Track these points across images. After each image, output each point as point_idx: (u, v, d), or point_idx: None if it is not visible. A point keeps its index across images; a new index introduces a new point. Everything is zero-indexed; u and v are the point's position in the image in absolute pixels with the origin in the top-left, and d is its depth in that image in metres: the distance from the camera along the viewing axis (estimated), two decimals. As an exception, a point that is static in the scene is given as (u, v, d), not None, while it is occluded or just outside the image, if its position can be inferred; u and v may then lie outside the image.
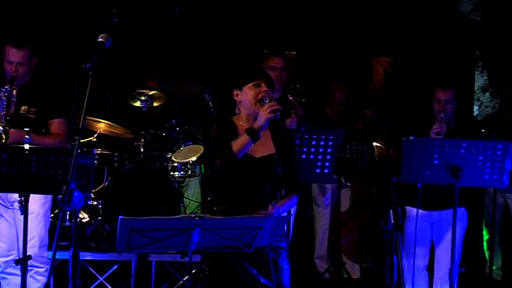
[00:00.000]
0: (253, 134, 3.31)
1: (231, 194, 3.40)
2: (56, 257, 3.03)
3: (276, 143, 3.49)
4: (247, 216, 3.12)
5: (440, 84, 4.76)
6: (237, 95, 3.48)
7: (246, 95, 3.43)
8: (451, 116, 4.74)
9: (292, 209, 5.06)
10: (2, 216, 4.47)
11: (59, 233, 2.92)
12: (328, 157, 4.38)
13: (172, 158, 6.00)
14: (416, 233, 4.54)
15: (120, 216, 2.77)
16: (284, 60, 4.88)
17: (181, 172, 6.02)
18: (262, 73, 3.52)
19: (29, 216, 3.91)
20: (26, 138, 4.22)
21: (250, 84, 3.42)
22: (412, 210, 4.71)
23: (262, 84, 3.40)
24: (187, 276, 5.20)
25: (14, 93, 4.34)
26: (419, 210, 4.54)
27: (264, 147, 3.45)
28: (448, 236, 4.62)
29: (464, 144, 4.20)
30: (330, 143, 4.35)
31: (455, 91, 4.74)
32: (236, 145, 3.32)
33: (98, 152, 5.83)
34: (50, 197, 4.51)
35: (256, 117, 3.38)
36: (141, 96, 5.99)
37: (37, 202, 4.39)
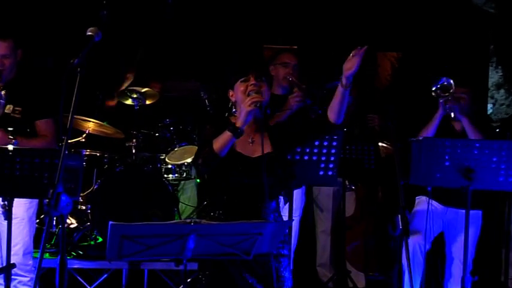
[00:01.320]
0: (235, 130, 3.29)
1: (228, 199, 3.40)
2: (42, 265, 3.03)
3: (274, 141, 3.49)
4: (245, 222, 3.12)
5: (455, 81, 4.77)
6: (232, 95, 3.50)
7: (237, 92, 3.44)
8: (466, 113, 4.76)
9: (296, 213, 5.09)
10: (-16, 221, 4.46)
11: (45, 239, 2.92)
12: (332, 158, 4.38)
13: (166, 160, 6.00)
14: (427, 217, 4.53)
15: (110, 222, 2.77)
16: (297, 59, 4.98)
17: (176, 175, 6.02)
18: (250, 66, 3.49)
19: (13, 222, 3.91)
20: (13, 141, 4.21)
21: (239, 81, 3.43)
22: (421, 198, 4.70)
23: (251, 78, 3.40)
24: (182, 286, 5.20)
25: (2, 93, 4.32)
26: (434, 203, 4.54)
27: (259, 146, 3.44)
28: (461, 239, 4.62)
29: (477, 145, 4.20)
30: (334, 143, 4.35)
31: (472, 90, 4.76)
32: (217, 142, 3.32)
33: (87, 153, 5.83)
34: (35, 201, 4.50)
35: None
36: (132, 93, 5.99)
37: (22, 206, 4.38)
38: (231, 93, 3.49)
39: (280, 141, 3.50)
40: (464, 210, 4.59)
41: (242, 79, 3.42)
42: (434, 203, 4.67)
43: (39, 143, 4.38)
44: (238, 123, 3.30)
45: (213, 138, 3.37)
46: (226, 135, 3.31)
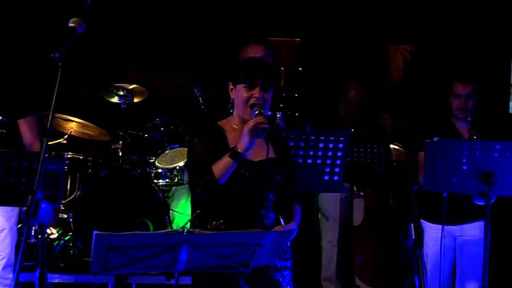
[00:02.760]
0: (237, 157, 3.30)
1: (227, 208, 3.40)
2: (20, 279, 3.03)
3: (276, 148, 3.50)
4: (243, 231, 3.13)
5: (460, 78, 4.83)
6: (231, 90, 3.49)
7: (238, 95, 3.44)
8: (471, 112, 4.82)
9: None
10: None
11: (23, 251, 2.93)
12: (338, 162, 4.38)
13: (156, 163, 6.00)
14: (440, 252, 4.57)
15: (94, 232, 2.77)
16: (266, 48, 4.74)
17: (167, 180, 6.02)
18: (259, 72, 3.44)
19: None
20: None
21: (242, 85, 3.42)
22: (428, 226, 4.74)
23: (256, 89, 3.39)
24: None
25: None
26: (435, 225, 4.58)
27: (262, 150, 3.45)
28: (473, 256, 4.65)
29: (497, 147, 4.21)
30: (340, 146, 4.35)
31: (476, 85, 4.82)
32: (218, 170, 3.32)
33: (69, 156, 5.84)
34: (16, 209, 4.51)
35: (248, 121, 3.38)
36: (119, 90, 6.00)
37: (3, 215, 4.39)
38: (231, 86, 3.49)
39: (282, 153, 3.54)
40: (470, 224, 4.63)
41: (247, 85, 3.41)
42: (436, 226, 4.68)
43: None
44: (240, 148, 3.31)
45: (202, 155, 3.36)
46: (227, 161, 3.31)
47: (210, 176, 3.31)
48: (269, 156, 3.41)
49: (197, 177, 3.36)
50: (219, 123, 3.53)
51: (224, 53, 7.01)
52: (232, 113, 3.52)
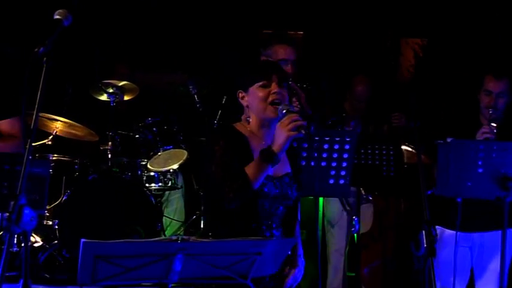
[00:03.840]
0: (272, 158, 3.30)
1: (234, 220, 3.42)
2: (2, 290, 3.04)
3: (290, 159, 3.53)
4: (242, 239, 3.14)
5: (493, 72, 4.76)
6: (242, 98, 3.49)
7: (253, 98, 3.43)
8: (501, 113, 4.76)
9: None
10: None
11: (5, 261, 2.93)
12: (344, 164, 4.40)
13: (148, 166, 6.01)
14: (456, 260, 4.57)
15: (82, 239, 2.78)
16: (296, 52, 4.88)
17: (160, 184, 6.04)
18: (270, 68, 3.48)
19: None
20: None
21: (257, 85, 3.42)
22: (445, 232, 4.73)
23: (273, 84, 3.40)
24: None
25: None
26: (453, 232, 4.58)
27: (280, 165, 3.46)
28: (493, 266, 4.65)
29: (515, 148, 4.22)
30: (347, 147, 4.37)
31: (511, 82, 4.75)
32: (252, 173, 3.31)
33: (54, 158, 5.85)
34: (-1, 215, 4.51)
35: (269, 124, 3.42)
36: (108, 87, 6.01)
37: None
38: (241, 95, 3.49)
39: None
40: (490, 232, 4.63)
41: (261, 83, 3.41)
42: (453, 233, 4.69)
43: (10, 144, 4.39)
44: (276, 148, 3.30)
45: (229, 159, 3.35)
46: (263, 164, 3.31)
47: (244, 181, 3.30)
48: (286, 170, 3.49)
49: (228, 182, 3.32)
50: (237, 128, 3.52)
51: (218, 47, 7.02)
52: (242, 121, 3.53)
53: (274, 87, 3.40)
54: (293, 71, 4.80)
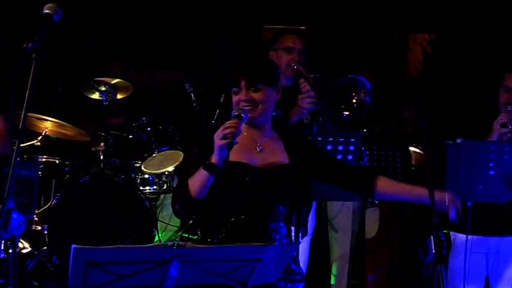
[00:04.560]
0: (210, 168, 3.31)
1: (227, 223, 3.42)
2: (-12, 299, 3.05)
3: (291, 152, 3.52)
4: (241, 245, 3.14)
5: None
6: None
7: (232, 102, 3.49)
8: None
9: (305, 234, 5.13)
10: None
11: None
12: (349, 166, 4.40)
13: (143, 168, 6.02)
14: (467, 268, 4.57)
15: (73, 245, 2.78)
16: (303, 43, 5.01)
17: (154, 186, 6.04)
18: (240, 71, 3.48)
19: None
20: None
21: (232, 90, 3.46)
22: (459, 238, 4.73)
23: (242, 91, 3.42)
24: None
25: None
26: (470, 236, 4.57)
27: (273, 156, 3.48)
28: (509, 273, 4.64)
29: (529, 149, 4.23)
30: (351, 148, 4.37)
31: None
32: (192, 184, 3.35)
33: (43, 159, 5.85)
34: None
35: (257, 125, 3.46)
36: (100, 85, 6.01)
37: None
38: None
39: (308, 166, 3.54)
40: (508, 237, 4.63)
41: (233, 90, 3.44)
42: (470, 236, 4.69)
43: None
44: (213, 159, 3.32)
45: (196, 168, 3.38)
46: (202, 174, 3.33)
47: (185, 192, 3.35)
48: (280, 161, 3.46)
49: (178, 192, 3.42)
50: None
51: (215, 43, 7.02)
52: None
53: (242, 94, 3.41)
54: (298, 59, 4.89)
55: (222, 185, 3.31)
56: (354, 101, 4.79)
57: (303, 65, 4.96)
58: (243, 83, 3.41)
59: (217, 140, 3.30)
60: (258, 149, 3.50)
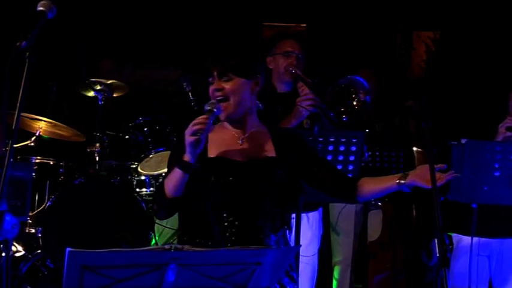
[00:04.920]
0: (184, 166, 3.31)
1: (213, 223, 3.42)
2: (-19, 304, 3.05)
3: (278, 145, 3.51)
4: (240, 248, 3.15)
5: None
6: None
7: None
8: None
9: (314, 246, 5.14)
10: None
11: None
12: (351, 167, 4.41)
13: (139, 170, 6.02)
14: (471, 271, 4.58)
15: (67, 249, 2.79)
16: (302, 47, 5.06)
17: (151, 188, 6.04)
18: (212, 60, 3.49)
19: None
20: None
21: (208, 80, 3.47)
22: (462, 240, 4.74)
23: (215, 81, 3.42)
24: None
25: None
26: (469, 238, 4.58)
27: (257, 149, 3.47)
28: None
29: (536, 149, 4.23)
30: (353, 148, 4.38)
31: None
32: (167, 183, 3.36)
33: (37, 160, 5.85)
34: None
35: (237, 117, 3.44)
36: (95, 85, 6.02)
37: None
38: None
39: (297, 165, 3.52)
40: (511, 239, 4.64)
41: (209, 79, 3.45)
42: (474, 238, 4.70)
43: None
44: (186, 157, 3.32)
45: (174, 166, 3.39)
46: (177, 172, 3.33)
47: (161, 193, 3.36)
48: (265, 155, 3.45)
49: (155, 192, 3.44)
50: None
51: (215, 40, 7.03)
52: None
53: (215, 84, 3.42)
54: (297, 63, 4.91)
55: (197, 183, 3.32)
56: (355, 103, 4.79)
57: (301, 70, 4.97)
58: (215, 73, 3.42)
59: (187, 137, 3.29)
60: (240, 142, 3.48)
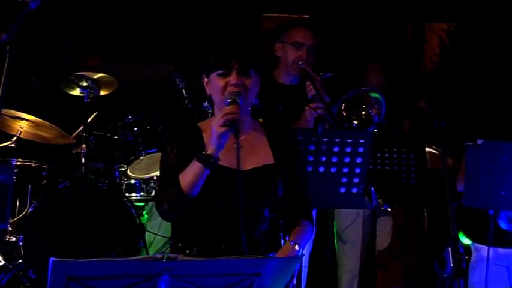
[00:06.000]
0: (206, 160, 3.32)
1: (208, 231, 3.43)
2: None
3: (275, 148, 3.52)
4: (238, 258, 3.15)
5: None
6: (206, 84, 3.56)
7: (213, 87, 3.49)
8: None
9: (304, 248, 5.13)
10: None
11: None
12: (358, 170, 4.42)
13: (128, 173, 6.03)
14: (488, 282, 4.59)
15: (51, 258, 2.80)
16: (315, 39, 5.02)
17: (142, 193, 6.04)
18: (233, 53, 3.50)
19: None
20: None
21: (216, 72, 3.47)
22: (480, 249, 4.75)
23: (233, 73, 3.43)
24: None
25: None
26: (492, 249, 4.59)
27: (255, 156, 3.49)
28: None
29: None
30: (360, 150, 4.39)
31: None
32: (185, 178, 3.35)
33: (18, 163, 5.85)
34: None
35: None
36: (81, 80, 6.02)
37: None
38: (206, 80, 3.56)
39: (284, 154, 3.55)
40: None
41: (220, 72, 3.45)
42: (491, 249, 4.72)
43: None
44: (210, 149, 3.33)
45: (177, 165, 3.40)
46: (196, 166, 3.33)
47: (177, 189, 3.34)
48: (262, 161, 3.47)
49: (164, 191, 3.41)
50: (198, 124, 3.58)
51: (210, 33, 7.03)
52: (208, 111, 3.57)
53: (233, 78, 3.43)
54: (307, 57, 4.90)
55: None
56: (363, 113, 4.81)
57: (311, 65, 4.94)
58: (235, 67, 3.43)
59: (217, 128, 3.30)
60: (235, 147, 3.49)
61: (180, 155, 3.44)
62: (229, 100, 3.37)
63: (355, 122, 4.79)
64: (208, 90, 3.54)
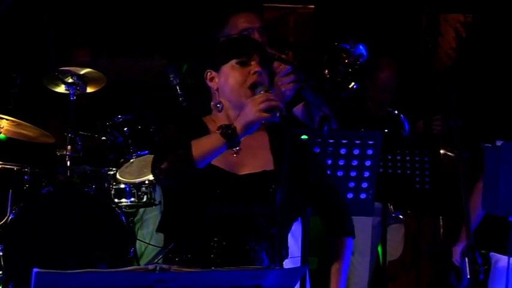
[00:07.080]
0: (230, 135, 3.27)
1: (199, 237, 3.43)
2: None
3: (277, 153, 3.52)
4: (237, 268, 3.16)
5: None
6: (211, 79, 3.51)
7: (227, 79, 3.46)
8: None
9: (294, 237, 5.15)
10: None
11: None
12: (367, 174, 4.42)
13: (118, 177, 6.03)
14: None
15: (34, 269, 2.80)
16: (260, 18, 4.82)
17: (132, 199, 6.05)
18: (251, 43, 3.53)
19: None
20: None
21: (233, 62, 3.44)
22: (500, 260, 4.76)
23: (253, 63, 3.43)
24: None
25: None
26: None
27: (255, 160, 3.48)
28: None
29: None
30: (369, 152, 4.39)
31: None
32: (199, 146, 3.29)
33: (-2, 166, 5.87)
34: None
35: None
36: (66, 77, 6.03)
37: None
38: (209, 75, 3.51)
39: (295, 162, 3.52)
40: None
41: (239, 60, 3.43)
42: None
43: None
44: (239, 127, 3.28)
45: (178, 137, 3.38)
46: (215, 137, 3.28)
47: (186, 152, 3.27)
48: (261, 166, 3.47)
49: (164, 151, 3.33)
50: (203, 118, 3.56)
51: (206, 25, 7.04)
52: (209, 112, 3.55)
53: (255, 66, 3.42)
54: (263, 40, 4.77)
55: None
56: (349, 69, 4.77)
57: (267, 43, 4.83)
58: (256, 57, 3.43)
59: (258, 112, 3.25)
60: (234, 150, 3.46)
61: (179, 133, 3.42)
62: (262, 91, 3.34)
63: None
64: (215, 85, 3.48)
